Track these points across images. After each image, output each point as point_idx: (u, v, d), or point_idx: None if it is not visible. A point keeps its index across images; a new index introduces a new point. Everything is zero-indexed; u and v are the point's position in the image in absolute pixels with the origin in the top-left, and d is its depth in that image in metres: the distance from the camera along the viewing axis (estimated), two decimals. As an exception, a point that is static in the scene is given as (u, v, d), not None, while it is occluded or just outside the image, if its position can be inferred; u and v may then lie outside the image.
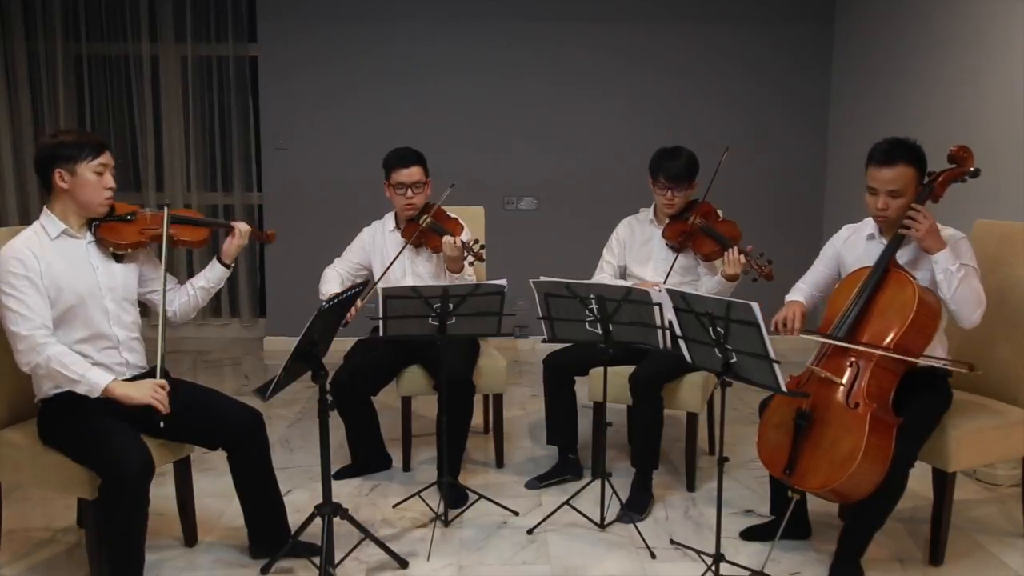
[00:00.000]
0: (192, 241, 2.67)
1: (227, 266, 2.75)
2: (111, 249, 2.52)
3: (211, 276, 2.74)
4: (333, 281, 3.47)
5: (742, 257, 3.07)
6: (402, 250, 3.37)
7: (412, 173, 3.34)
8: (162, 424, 2.40)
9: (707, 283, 3.23)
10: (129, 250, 2.56)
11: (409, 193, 3.35)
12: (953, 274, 2.44)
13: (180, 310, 2.70)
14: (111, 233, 2.51)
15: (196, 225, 2.70)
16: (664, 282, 3.23)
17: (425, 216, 3.35)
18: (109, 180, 2.46)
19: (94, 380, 2.35)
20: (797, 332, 2.67)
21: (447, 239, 3.20)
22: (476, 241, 3.20)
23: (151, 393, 2.37)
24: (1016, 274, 2.74)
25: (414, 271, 3.43)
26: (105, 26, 5.66)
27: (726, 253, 3.11)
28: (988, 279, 2.54)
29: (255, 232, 2.85)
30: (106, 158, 2.44)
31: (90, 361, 2.42)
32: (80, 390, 2.35)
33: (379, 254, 3.48)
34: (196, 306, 2.74)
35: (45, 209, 2.45)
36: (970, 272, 2.48)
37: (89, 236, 2.49)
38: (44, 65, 5.61)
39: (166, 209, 2.57)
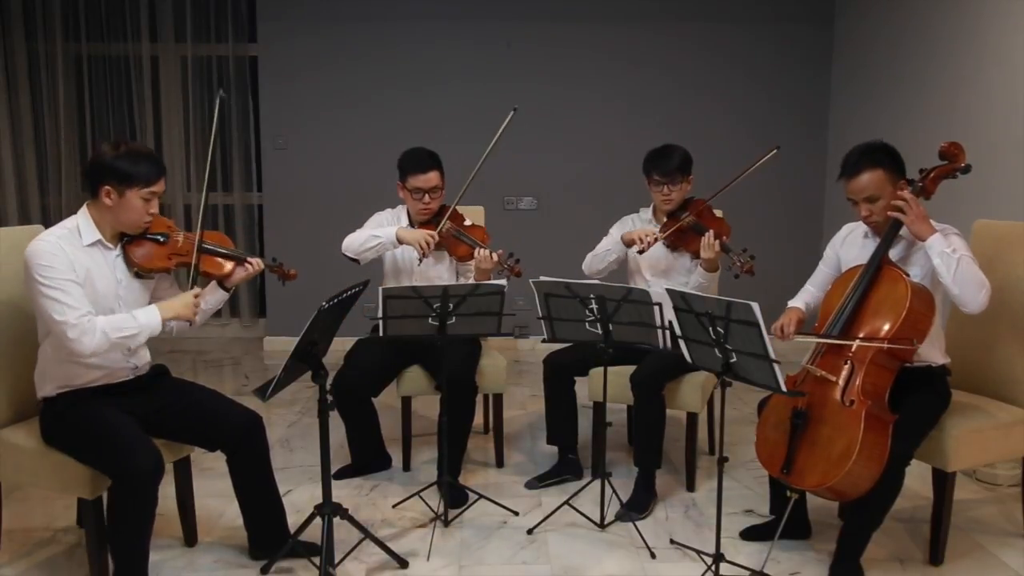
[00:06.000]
0: (214, 275, 2.62)
1: (227, 291, 2.68)
2: (135, 269, 2.48)
3: (211, 299, 2.65)
4: (369, 229, 3.34)
5: (717, 243, 3.08)
6: (424, 256, 3.26)
7: (430, 179, 3.30)
8: (190, 324, 2.51)
9: (693, 279, 3.24)
10: (153, 274, 2.54)
11: (426, 199, 3.31)
12: (950, 256, 2.42)
13: (177, 326, 2.60)
14: (139, 255, 2.47)
15: (223, 258, 2.64)
16: (654, 241, 3.22)
17: (446, 222, 3.30)
18: (154, 207, 2.42)
19: (147, 321, 2.38)
20: (791, 336, 2.70)
21: (483, 252, 3.17)
22: (511, 255, 3.17)
23: (191, 307, 2.46)
24: (1015, 274, 2.74)
25: (424, 274, 3.39)
26: (105, 26, 5.67)
27: (702, 238, 3.11)
28: (987, 279, 2.54)
29: (276, 270, 2.86)
30: (159, 186, 2.39)
31: (94, 363, 2.41)
32: (143, 338, 2.38)
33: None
34: (196, 324, 2.70)
35: (85, 209, 2.40)
36: (966, 257, 2.45)
37: (118, 250, 2.46)
38: (44, 65, 5.61)
39: (197, 240, 2.53)
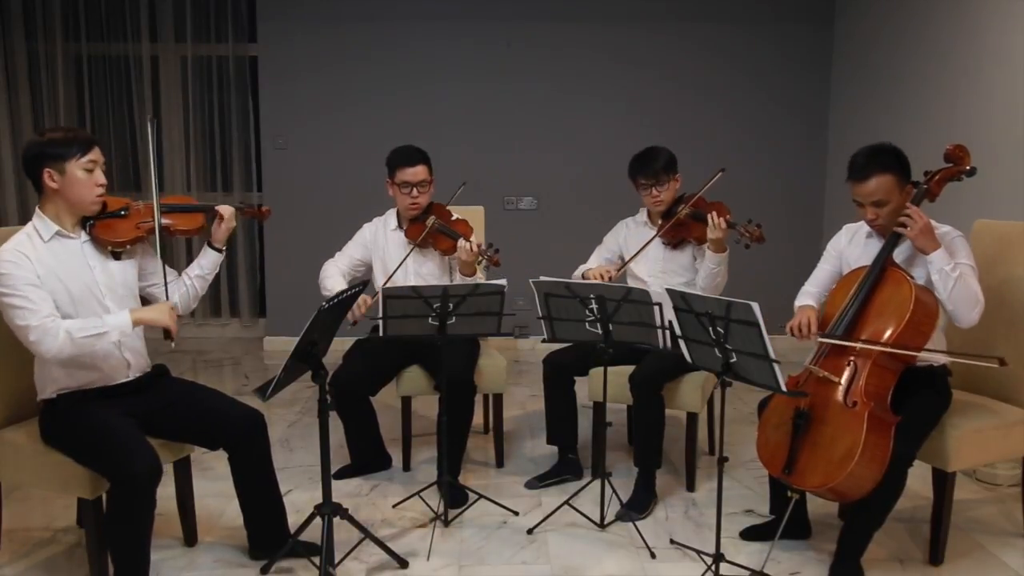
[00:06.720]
0: (188, 229, 2.65)
1: (219, 251, 2.73)
2: (110, 248, 2.49)
3: (205, 263, 2.72)
4: (335, 277, 3.41)
5: (722, 220, 3.07)
6: (409, 253, 3.34)
7: (417, 172, 3.32)
8: (172, 344, 2.49)
9: (704, 266, 3.20)
10: (128, 247, 2.54)
11: (414, 192, 3.33)
12: (948, 274, 2.43)
13: (181, 301, 2.67)
14: (108, 231, 2.48)
15: (188, 212, 2.68)
16: (627, 262, 3.34)
17: (431, 217, 3.33)
18: (100, 177, 2.42)
19: (117, 322, 2.36)
20: (814, 336, 2.62)
21: (463, 244, 3.18)
22: (491, 245, 3.19)
23: (168, 313, 2.44)
24: (1015, 274, 2.74)
25: (417, 272, 3.41)
26: (105, 26, 5.66)
27: (708, 219, 3.09)
28: (987, 279, 2.54)
29: (248, 211, 2.87)
30: (95, 154, 2.40)
31: (89, 363, 2.42)
32: (114, 336, 2.36)
33: (380, 252, 3.46)
34: (196, 295, 2.73)
35: (37, 210, 2.41)
36: (966, 271, 2.47)
37: (84, 235, 2.46)
38: (44, 65, 5.61)
39: (155, 200, 2.54)
